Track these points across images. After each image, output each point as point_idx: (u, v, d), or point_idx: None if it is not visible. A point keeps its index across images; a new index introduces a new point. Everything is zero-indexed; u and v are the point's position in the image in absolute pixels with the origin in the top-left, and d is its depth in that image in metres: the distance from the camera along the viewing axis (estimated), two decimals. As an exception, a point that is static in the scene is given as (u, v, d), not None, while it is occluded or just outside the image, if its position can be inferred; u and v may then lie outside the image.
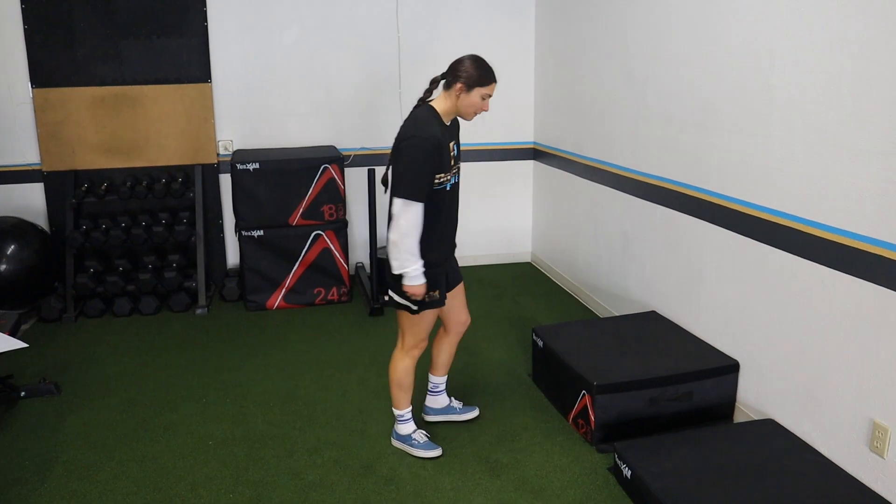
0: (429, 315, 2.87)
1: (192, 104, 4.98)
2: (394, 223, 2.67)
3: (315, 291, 4.87)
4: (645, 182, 3.92)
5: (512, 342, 4.20)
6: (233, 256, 5.30)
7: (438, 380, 3.22)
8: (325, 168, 4.73)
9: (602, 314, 4.53)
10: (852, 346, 2.56)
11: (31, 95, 4.79)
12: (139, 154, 4.98)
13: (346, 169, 4.99)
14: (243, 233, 4.73)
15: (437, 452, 3.01)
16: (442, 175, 2.71)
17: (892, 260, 2.36)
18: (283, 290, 4.83)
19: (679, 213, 3.61)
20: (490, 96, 2.74)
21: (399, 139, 2.72)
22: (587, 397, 3.05)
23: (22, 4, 4.65)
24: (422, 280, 2.71)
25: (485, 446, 3.09)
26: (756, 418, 3.07)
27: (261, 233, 4.73)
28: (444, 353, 3.16)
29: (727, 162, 3.19)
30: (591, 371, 3.10)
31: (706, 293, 3.43)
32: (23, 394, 3.54)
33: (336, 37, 5.15)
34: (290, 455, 3.04)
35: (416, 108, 2.81)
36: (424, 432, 3.07)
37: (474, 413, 3.29)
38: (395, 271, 2.71)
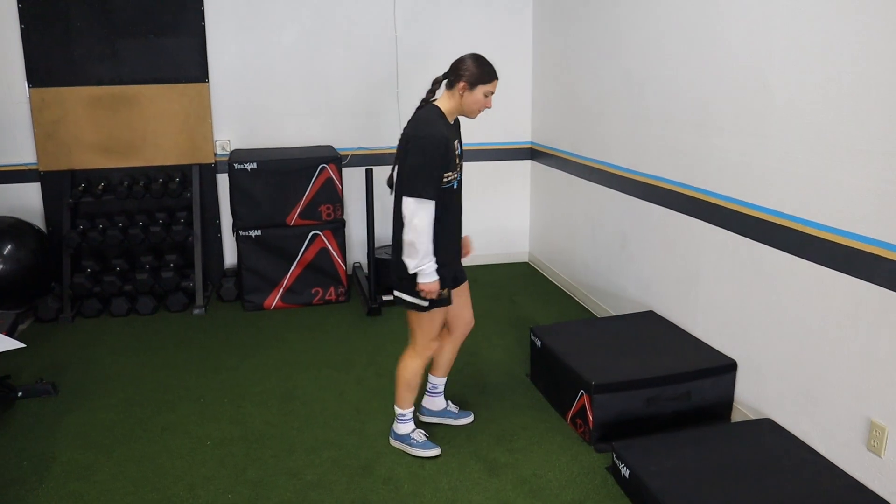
0: (438, 314, 2.88)
1: (189, 104, 4.97)
2: (408, 223, 2.67)
3: (313, 291, 4.87)
4: (643, 182, 3.92)
5: (510, 342, 4.20)
6: (230, 256, 5.29)
7: (438, 381, 3.22)
8: (323, 168, 4.73)
9: (600, 314, 4.54)
10: (850, 346, 2.57)
11: (27, 95, 4.77)
12: (136, 154, 4.97)
13: (343, 169, 4.99)
14: (241, 233, 4.73)
15: (435, 452, 3.01)
16: (449, 174, 2.74)
17: (890, 259, 2.37)
18: (281, 290, 4.82)
19: (677, 213, 3.61)
20: (493, 93, 2.78)
21: (406, 139, 2.75)
22: (585, 397, 3.06)
23: (19, 3, 4.64)
24: (436, 277, 2.72)
25: (483, 446, 3.09)
26: (754, 418, 3.08)
27: (258, 233, 4.73)
28: (446, 353, 3.16)
29: (725, 162, 3.20)
30: (590, 371, 3.10)
31: (704, 293, 3.44)
32: (20, 394, 3.53)
33: (334, 37, 5.15)
34: (288, 455, 3.04)
35: (419, 108, 2.84)
36: (423, 432, 3.07)
37: (469, 419, 3.29)
38: (412, 270, 2.71)
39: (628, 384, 3.04)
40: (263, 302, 4.81)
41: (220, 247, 5.27)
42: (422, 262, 2.69)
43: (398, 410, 3.04)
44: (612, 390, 3.02)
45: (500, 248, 5.78)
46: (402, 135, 2.79)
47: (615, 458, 2.79)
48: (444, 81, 2.81)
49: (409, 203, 2.66)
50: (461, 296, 3.04)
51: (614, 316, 4.11)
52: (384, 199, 5.13)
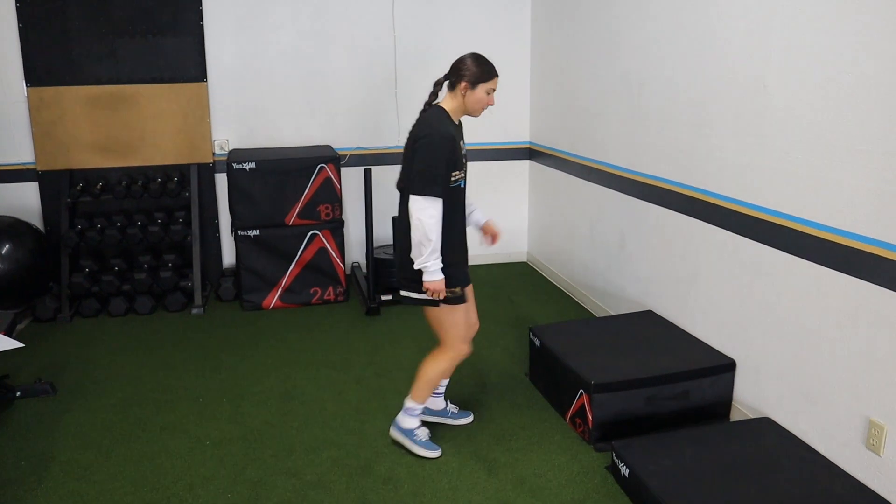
0: (458, 312, 2.89)
1: (187, 103, 4.97)
2: (416, 221, 2.68)
3: (311, 291, 4.87)
4: (641, 182, 3.93)
5: (509, 342, 4.20)
6: (229, 256, 5.29)
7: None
8: (322, 168, 4.73)
9: (598, 314, 4.54)
10: (849, 345, 2.58)
11: (25, 94, 4.76)
12: (135, 153, 4.96)
13: (342, 168, 4.99)
14: (239, 232, 4.73)
15: (436, 454, 3.00)
16: (457, 173, 2.77)
17: (889, 259, 2.38)
18: (280, 290, 4.82)
19: (675, 213, 3.62)
20: (494, 90, 2.81)
21: (413, 139, 2.77)
22: (585, 396, 3.06)
23: (17, 3, 4.63)
24: (441, 276, 2.73)
25: (482, 445, 3.09)
26: (753, 417, 3.08)
27: (257, 232, 4.72)
28: None
29: (724, 162, 3.21)
30: (589, 370, 3.11)
31: (703, 292, 3.44)
32: (18, 394, 3.53)
33: (333, 36, 5.15)
34: (287, 455, 3.04)
35: (424, 110, 2.86)
36: (428, 431, 3.07)
37: (468, 419, 3.29)
38: (417, 266, 2.72)
39: (627, 383, 3.05)
40: (262, 302, 4.81)
41: (218, 246, 5.26)
42: (427, 259, 2.69)
43: (410, 404, 3.01)
44: (611, 390, 3.02)
45: (499, 247, 5.74)
46: (409, 135, 2.82)
47: (615, 458, 2.79)
48: (446, 83, 2.84)
49: (417, 201, 2.68)
50: (466, 298, 3.05)
51: (613, 315, 4.11)
52: (382, 198, 5.14)
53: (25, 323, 4.59)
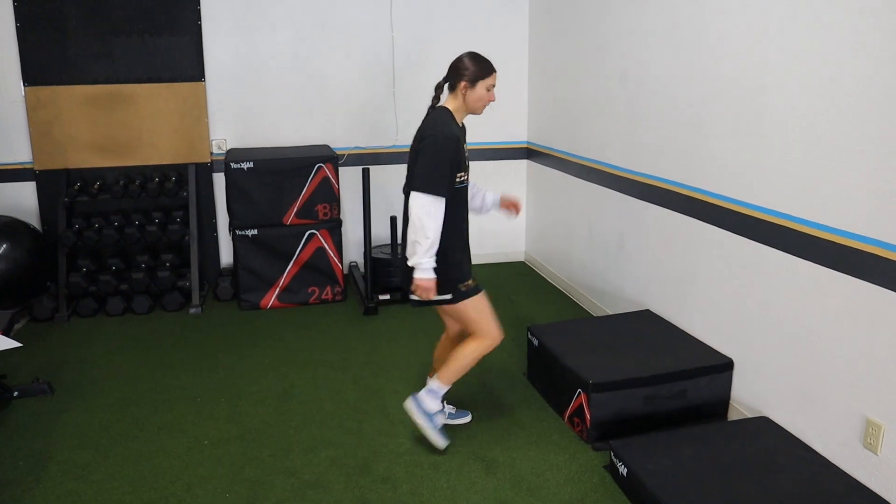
0: (480, 301, 2.90)
1: (185, 103, 4.96)
2: (417, 219, 2.69)
3: (309, 290, 4.87)
4: (639, 181, 3.93)
5: (507, 341, 4.17)
6: (226, 256, 5.28)
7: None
8: (320, 167, 4.73)
9: (596, 313, 4.55)
10: (846, 344, 2.58)
11: (23, 94, 4.76)
12: (132, 153, 4.96)
13: (340, 168, 4.99)
14: (237, 232, 4.72)
15: (445, 444, 3.00)
16: (462, 174, 2.80)
17: (887, 259, 2.38)
18: (277, 290, 4.82)
19: (674, 213, 3.62)
20: (494, 86, 2.85)
21: (419, 139, 2.80)
22: (583, 395, 3.06)
23: (14, 2, 4.62)
24: (433, 275, 2.74)
25: (481, 445, 3.10)
26: (750, 416, 3.08)
27: (255, 232, 4.72)
28: (446, 356, 3.16)
29: (722, 161, 3.21)
30: (587, 369, 3.11)
31: (701, 292, 3.45)
32: (16, 394, 3.52)
33: (330, 36, 5.15)
34: (285, 454, 3.04)
35: (428, 113, 2.90)
36: (445, 418, 3.06)
37: (467, 419, 3.29)
38: (411, 263, 2.74)
39: (625, 383, 3.05)
40: (260, 301, 4.80)
41: (216, 246, 5.26)
42: (422, 257, 2.71)
43: (435, 385, 2.97)
44: (609, 389, 3.03)
45: (497, 247, 5.78)
46: (415, 136, 2.85)
47: (613, 457, 2.79)
48: (446, 85, 2.88)
49: (419, 198, 2.69)
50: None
51: (611, 315, 4.12)
52: (381, 198, 5.15)
53: (23, 322, 4.59)
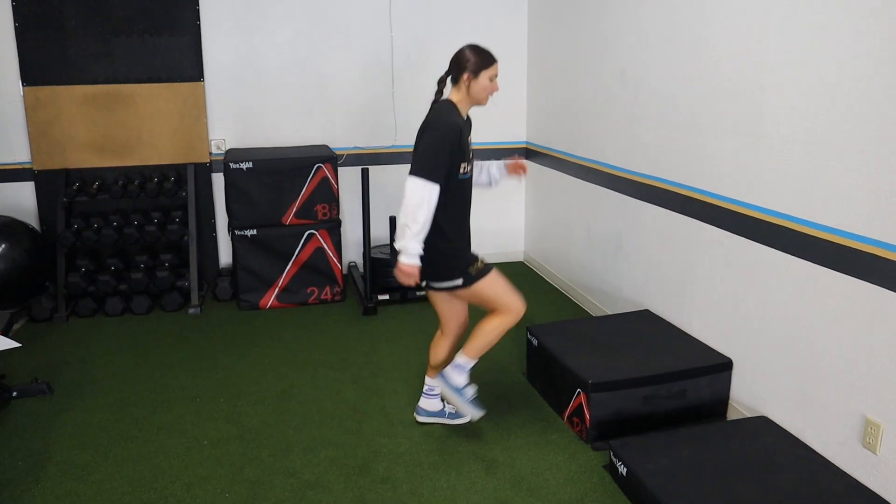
0: (494, 278, 2.91)
1: (184, 103, 4.96)
2: (409, 202, 2.71)
3: (308, 291, 4.87)
4: (638, 181, 3.94)
5: (506, 341, 4.18)
6: (225, 256, 5.28)
7: (435, 383, 3.22)
8: (319, 167, 4.73)
9: (595, 313, 4.55)
10: (845, 344, 2.59)
11: (21, 93, 4.75)
12: (131, 153, 4.96)
13: (339, 168, 4.99)
14: (236, 232, 4.72)
15: (480, 413, 3.02)
16: (465, 165, 2.83)
17: (885, 258, 2.39)
18: (277, 290, 4.82)
19: (672, 213, 3.63)
20: (496, 76, 2.87)
21: (422, 129, 2.84)
22: (582, 395, 3.07)
23: (13, 2, 4.62)
24: (418, 262, 2.75)
25: (480, 445, 3.10)
26: (749, 416, 3.09)
27: (254, 232, 4.72)
28: (441, 355, 3.16)
29: (720, 161, 3.22)
30: (586, 369, 3.12)
31: (700, 292, 3.45)
32: (14, 394, 3.52)
33: (329, 36, 5.15)
34: (285, 454, 3.04)
35: (432, 106, 2.92)
36: (476, 389, 3.05)
37: (466, 418, 3.29)
38: (398, 246, 2.75)
39: (625, 383, 3.05)
40: (259, 301, 4.80)
41: (215, 246, 5.26)
42: (409, 242, 2.72)
43: (462, 360, 2.97)
44: (608, 389, 3.03)
45: (496, 247, 5.78)
46: (421, 125, 2.87)
47: (612, 457, 2.80)
48: (449, 78, 2.90)
49: (413, 182, 2.71)
50: (458, 301, 3.06)
51: (610, 315, 4.12)
52: (380, 198, 5.14)
53: (22, 323, 4.58)
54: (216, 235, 5.24)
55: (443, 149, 2.73)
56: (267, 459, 3.00)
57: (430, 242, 2.80)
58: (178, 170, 5.04)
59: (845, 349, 2.59)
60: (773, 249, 2.91)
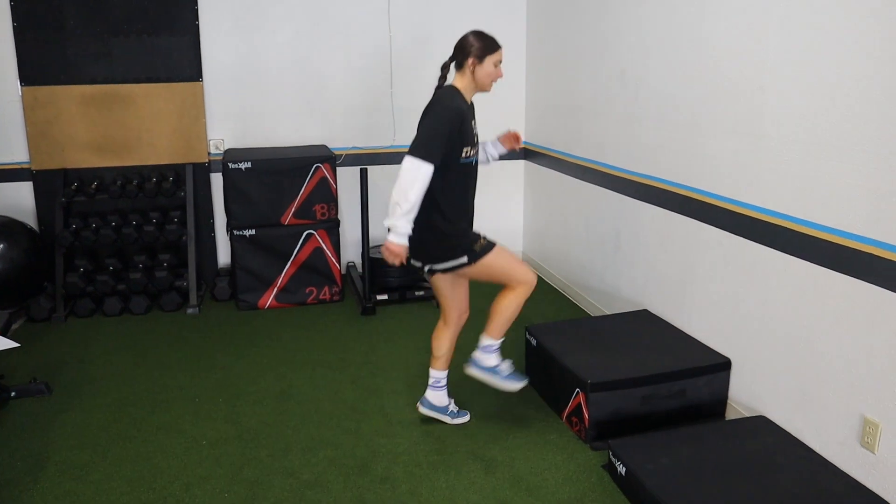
0: (500, 252, 2.92)
1: (183, 103, 4.96)
2: (402, 180, 2.71)
3: (307, 291, 4.86)
4: (637, 181, 3.94)
5: (505, 341, 4.19)
6: (224, 256, 5.28)
7: (440, 374, 3.21)
8: (318, 167, 4.73)
9: (594, 313, 4.55)
10: (844, 344, 2.59)
11: (20, 93, 4.74)
12: (130, 153, 4.95)
13: (338, 168, 4.99)
14: (235, 232, 4.72)
15: (523, 383, 3.06)
16: (468, 149, 2.84)
17: (884, 258, 2.39)
18: (275, 290, 4.81)
19: (671, 213, 3.63)
20: (501, 62, 2.90)
21: (424, 112, 2.85)
22: (581, 395, 3.07)
23: (11, 1, 4.61)
24: (405, 242, 2.76)
25: (479, 444, 3.10)
26: (748, 415, 3.09)
27: (252, 232, 4.71)
28: (444, 346, 3.17)
29: (719, 161, 3.22)
30: (585, 369, 3.12)
31: (698, 292, 3.45)
32: (13, 394, 3.51)
33: (328, 36, 5.15)
34: (284, 454, 3.03)
35: (435, 93, 2.93)
36: (511, 362, 3.07)
37: (466, 418, 3.29)
38: (387, 224, 2.75)
39: (624, 383, 3.06)
40: (257, 301, 4.80)
41: (213, 246, 5.25)
42: (399, 220, 2.72)
43: (487, 341, 3.00)
44: (607, 389, 3.03)
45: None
46: (424, 109, 2.87)
47: (611, 456, 2.80)
48: (453, 64, 2.91)
49: (409, 160, 2.71)
50: (462, 286, 3.07)
51: (609, 315, 4.12)
52: (379, 198, 5.14)
53: (20, 323, 4.58)
54: (215, 235, 5.23)
55: (442, 131, 2.74)
56: (266, 459, 3.00)
57: (430, 225, 2.81)
58: (177, 170, 5.04)
59: (845, 349, 2.59)
60: (772, 249, 2.91)
